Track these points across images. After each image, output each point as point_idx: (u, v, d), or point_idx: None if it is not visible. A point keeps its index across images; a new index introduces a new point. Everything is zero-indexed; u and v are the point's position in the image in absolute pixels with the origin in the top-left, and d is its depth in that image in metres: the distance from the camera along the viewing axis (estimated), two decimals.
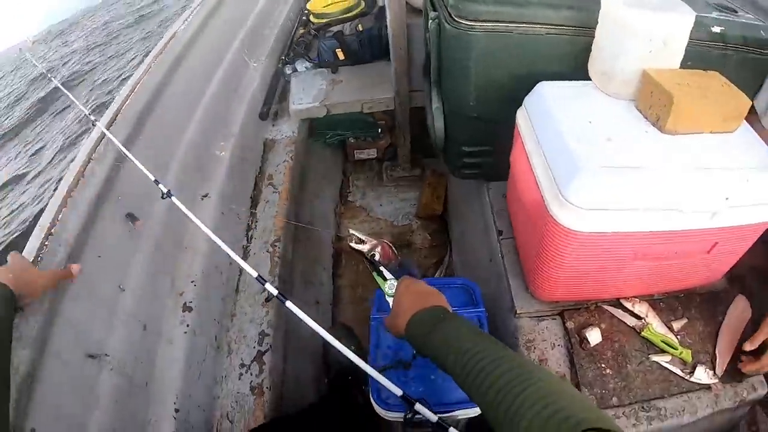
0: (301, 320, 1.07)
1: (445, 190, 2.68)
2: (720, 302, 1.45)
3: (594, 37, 1.33)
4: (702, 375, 1.29)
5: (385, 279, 1.17)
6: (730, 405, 1.29)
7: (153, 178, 1.51)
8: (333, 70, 2.71)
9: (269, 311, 1.74)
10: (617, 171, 1.05)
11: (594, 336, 1.31)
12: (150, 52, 2.22)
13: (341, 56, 2.69)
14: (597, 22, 1.31)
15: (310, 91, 2.58)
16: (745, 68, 1.57)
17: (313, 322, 1.06)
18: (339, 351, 1.00)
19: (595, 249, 1.14)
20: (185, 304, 1.64)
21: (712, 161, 1.13)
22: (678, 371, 1.30)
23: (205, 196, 1.97)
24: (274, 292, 1.16)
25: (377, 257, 1.29)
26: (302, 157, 2.53)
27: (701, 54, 1.44)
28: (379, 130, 2.80)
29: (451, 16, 1.41)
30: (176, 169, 1.93)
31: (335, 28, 2.73)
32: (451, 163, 1.86)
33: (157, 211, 1.73)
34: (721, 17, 1.54)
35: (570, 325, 1.36)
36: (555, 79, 1.33)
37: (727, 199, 1.11)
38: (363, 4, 2.79)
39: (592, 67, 1.34)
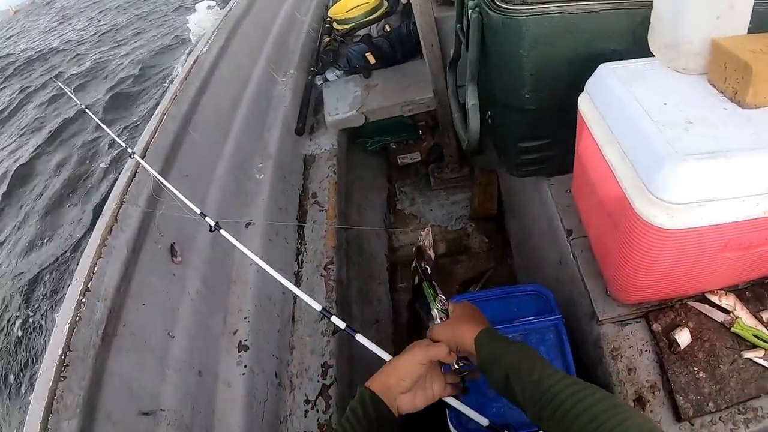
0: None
1: (498, 188, 2.56)
2: None
3: (652, 8, 1.20)
4: None
5: (436, 294, 1.15)
6: None
7: (199, 211, 1.43)
8: (365, 75, 2.63)
9: (330, 340, 1.64)
10: (706, 158, 0.93)
11: (684, 337, 1.19)
12: (174, 79, 2.17)
13: (372, 60, 2.61)
14: None
15: (344, 100, 2.51)
16: None
17: (383, 353, 1.02)
18: None
19: (687, 245, 1.02)
20: (240, 342, 1.56)
21: None
22: None
23: (250, 223, 1.89)
24: (342, 325, 1.11)
25: (429, 270, 1.23)
26: (345, 170, 2.44)
27: (762, 14, 1.30)
28: (420, 131, 2.70)
29: (494, 3, 1.32)
30: (215, 198, 1.86)
31: (362, 32, 2.67)
32: (508, 161, 1.75)
33: (199, 245, 1.65)
34: None
35: (656, 327, 1.25)
36: (614, 59, 1.22)
37: None
38: (386, 3, 2.71)
39: (654, 41, 1.21)
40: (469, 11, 1.44)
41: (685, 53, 1.14)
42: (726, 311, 1.26)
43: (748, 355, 1.19)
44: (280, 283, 1.20)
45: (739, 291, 1.30)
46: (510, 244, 2.35)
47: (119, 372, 1.23)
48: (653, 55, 1.21)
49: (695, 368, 1.18)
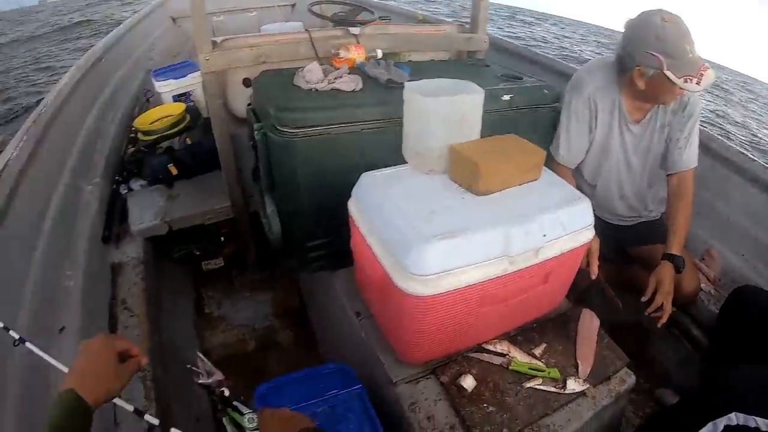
0: None
1: (297, 285, 2.81)
2: (569, 320, 1.72)
3: (402, 125, 1.58)
4: (573, 385, 1.51)
5: (242, 414, 1.12)
6: (609, 401, 1.53)
7: (1, 324, 1.29)
8: (168, 186, 2.75)
9: None
10: (445, 237, 1.26)
11: (468, 382, 1.49)
12: None
13: (174, 171, 2.74)
14: (402, 113, 1.56)
15: (149, 210, 2.58)
16: (538, 123, 1.88)
17: None
18: None
19: (444, 306, 1.33)
20: None
21: (526, 208, 1.40)
22: (552, 389, 1.51)
23: (62, 329, 1.83)
24: (156, 422, 1.06)
25: (227, 393, 1.16)
26: (153, 277, 2.45)
27: (498, 120, 1.75)
28: (222, 238, 2.85)
29: (275, 127, 1.60)
30: (24, 306, 1.78)
31: (165, 144, 2.80)
32: (299, 260, 1.97)
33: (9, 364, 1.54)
34: (508, 86, 1.86)
35: (444, 379, 1.53)
36: (378, 167, 1.56)
37: (544, 236, 1.38)
38: (188, 117, 2.89)
39: (406, 151, 1.60)
40: (255, 132, 1.71)
41: (429, 159, 1.53)
42: (502, 355, 1.58)
43: (529, 384, 1.51)
44: None
45: (511, 337, 1.65)
46: (315, 334, 2.57)
47: None
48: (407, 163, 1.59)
49: (485, 404, 1.47)
